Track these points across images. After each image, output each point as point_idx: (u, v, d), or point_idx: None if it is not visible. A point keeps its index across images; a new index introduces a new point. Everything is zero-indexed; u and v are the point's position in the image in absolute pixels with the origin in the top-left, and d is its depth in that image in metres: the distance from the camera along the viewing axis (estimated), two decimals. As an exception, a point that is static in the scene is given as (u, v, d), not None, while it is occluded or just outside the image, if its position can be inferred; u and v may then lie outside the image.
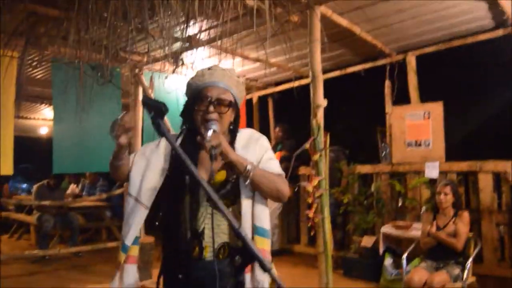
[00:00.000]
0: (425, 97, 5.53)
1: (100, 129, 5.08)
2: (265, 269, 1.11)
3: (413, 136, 5.40)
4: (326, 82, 6.04)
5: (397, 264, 4.80)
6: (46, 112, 9.08)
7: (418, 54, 5.50)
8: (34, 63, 5.72)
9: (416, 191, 5.31)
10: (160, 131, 1.26)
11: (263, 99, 7.56)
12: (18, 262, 6.18)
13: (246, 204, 1.73)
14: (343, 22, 4.61)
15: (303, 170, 6.52)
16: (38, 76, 6.51)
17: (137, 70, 5.63)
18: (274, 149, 6.75)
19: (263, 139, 1.90)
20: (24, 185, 11.03)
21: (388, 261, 4.91)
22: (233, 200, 1.75)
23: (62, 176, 7.56)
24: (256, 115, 7.57)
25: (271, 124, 7.56)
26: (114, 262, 1.89)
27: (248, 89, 7.25)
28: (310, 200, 3.81)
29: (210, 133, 1.62)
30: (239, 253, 1.17)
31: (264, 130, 7.61)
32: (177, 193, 1.75)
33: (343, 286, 4.99)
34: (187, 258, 1.72)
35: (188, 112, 1.84)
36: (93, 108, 4.88)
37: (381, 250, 4.90)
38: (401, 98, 5.75)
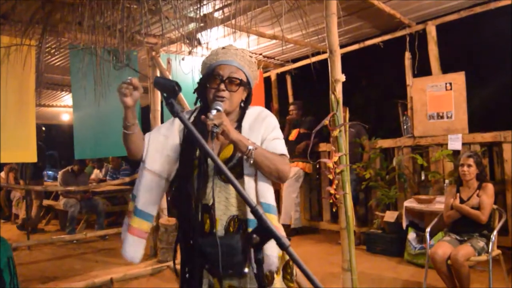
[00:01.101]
0: (446, 68, 5.41)
1: (119, 114, 5.12)
2: (282, 247, 1.12)
3: (435, 108, 5.31)
4: (345, 57, 6.06)
5: (420, 239, 4.78)
6: (67, 99, 9.20)
7: (438, 23, 5.35)
8: (52, 51, 5.77)
9: (439, 164, 5.25)
10: (174, 111, 1.27)
11: (281, 76, 7.51)
12: (47, 247, 6.36)
13: (248, 181, 1.77)
14: (360, -6, 4.52)
15: (323, 147, 6.51)
16: (57, 63, 6.59)
17: (154, 53, 5.64)
18: (292, 127, 6.71)
19: (270, 117, 1.92)
20: (50, 172, 11.26)
21: (411, 235, 4.90)
22: (238, 174, 1.78)
23: (85, 161, 7.70)
24: (275, 93, 7.54)
25: (290, 100, 7.50)
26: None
27: (266, 67, 7.21)
28: (331, 177, 3.79)
29: (214, 112, 1.67)
30: (256, 231, 1.18)
31: (283, 107, 7.59)
32: (187, 168, 1.81)
33: (367, 261, 5.01)
34: (199, 231, 1.77)
35: (202, 89, 1.90)
36: (111, 93, 4.93)
37: (404, 224, 4.88)
38: (422, 70, 5.64)
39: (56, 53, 5.95)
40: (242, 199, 1.20)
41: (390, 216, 5.31)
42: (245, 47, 6.24)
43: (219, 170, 1.77)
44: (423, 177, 5.46)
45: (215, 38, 5.59)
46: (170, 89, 1.29)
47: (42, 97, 7.75)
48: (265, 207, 1.75)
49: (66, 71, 6.40)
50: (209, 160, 1.78)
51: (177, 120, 1.92)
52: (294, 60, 7.03)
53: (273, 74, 7.42)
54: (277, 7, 4.62)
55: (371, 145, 5.86)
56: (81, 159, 6.89)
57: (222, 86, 1.80)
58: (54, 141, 8.49)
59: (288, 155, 1.86)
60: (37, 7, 4.39)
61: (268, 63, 7.11)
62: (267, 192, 1.79)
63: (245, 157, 1.71)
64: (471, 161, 3.80)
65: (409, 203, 4.83)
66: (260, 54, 6.58)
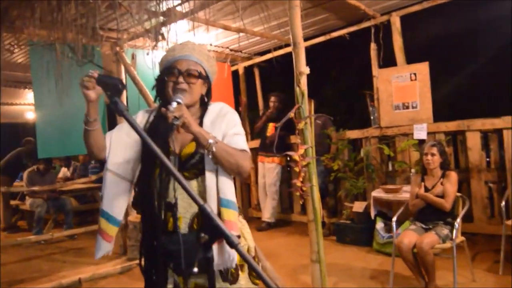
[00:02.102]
0: (411, 59, 5.48)
1: (83, 111, 5.02)
2: (231, 245, 1.11)
3: (400, 98, 5.38)
4: (312, 49, 6.09)
5: (388, 228, 4.86)
6: (31, 96, 8.95)
7: (402, 14, 5.40)
8: (12, 48, 5.60)
9: (405, 154, 5.33)
10: (118, 109, 1.23)
11: (249, 69, 7.47)
12: (14, 249, 6.20)
13: (210, 176, 1.76)
14: (323, -15, 4.52)
15: (294, 139, 6.51)
16: (19, 60, 6.39)
17: (118, 48, 5.53)
18: (268, 121, 6.62)
19: (232, 114, 1.91)
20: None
21: (379, 225, 4.97)
22: (200, 171, 1.78)
23: (51, 160, 7.53)
24: (243, 86, 7.48)
25: (259, 93, 7.50)
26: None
27: (233, 61, 7.16)
28: (297, 169, 3.80)
29: (174, 104, 1.65)
30: (205, 230, 1.16)
31: (252, 100, 7.57)
32: (149, 167, 1.79)
33: (336, 252, 5.06)
34: (163, 230, 1.75)
35: (161, 85, 1.88)
36: (74, 90, 4.83)
37: (372, 214, 4.94)
38: (388, 61, 5.70)
39: (15, 50, 5.77)
40: (190, 197, 1.18)
41: (358, 206, 5.37)
42: (210, 40, 6.21)
43: (181, 167, 1.78)
44: (390, 167, 5.53)
45: (179, 32, 5.50)
46: (114, 87, 1.25)
47: (4, 95, 7.50)
48: (224, 202, 1.76)
49: (28, 68, 6.22)
50: (172, 158, 1.77)
51: (139, 117, 1.92)
52: (262, 53, 7.01)
53: (240, 67, 7.38)
54: (239, 0, 4.60)
55: (339, 136, 5.90)
56: (47, 158, 6.71)
57: (181, 79, 1.79)
58: (20, 140, 8.25)
59: (249, 151, 1.85)
60: (-7, 3, 4.24)
61: (236, 57, 7.07)
62: (227, 188, 1.78)
63: (205, 151, 1.69)
64: (434, 150, 3.87)
65: (377, 193, 4.89)
66: (227, 47, 6.54)
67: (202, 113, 1.89)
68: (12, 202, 7.89)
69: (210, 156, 1.70)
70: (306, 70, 3.78)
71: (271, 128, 6.45)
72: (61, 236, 6.48)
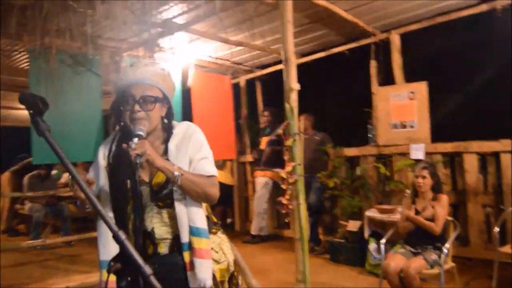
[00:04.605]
0: (411, 77, 5.36)
1: (81, 118, 5.00)
2: (143, 276, 1.03)
3: (398, 117, 5.26)
4: (311, 64, 6.02)
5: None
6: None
7: (401, 32, 5.29)
8: (13, 53, 5.64)
9: (402, 173, 5.20)
10: (38, 129, 1.17)
11: (250, 83, 7.41)
12: (8, 253, 6.17)
13: (179, 206, 1.74)
14: (321, 1, 4.45)
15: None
16: (21, 66, 6.42)
17: (117, 57, 5.52)
18: (262, 132, 6.64)
19: (197, 134, 1.85)
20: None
21: (372, 245, 4.83)
22: (170, 203, 1.76)
23: (52, 166, 7.54)
24: (244, 99, 7.43)
25: (260, 107, 7.42)
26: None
27: (235, 73, 7.11)
28: (284, 187, 3.72)
29: (135, 140, 1.62)
30: (117, 258, 1.09)
31: (253, 113, 7.50)
32: (121, 198, 1.76)
33: (328, 271, 4.94)
34: (142, 255, 1.69)
35: (117, 114, 1.81)
36: (73, 97, 4.83)
37: (366, 234, 4.82)
38: (388, 78, 5.59)
39: (18, 56, 5.81)
40: (107, 226, 1.11)
41: (353, 225, 5.25)
42: (211, 53, 6.18)
43: (154, 197, 1.78)
44: (386, 187, 5.40)
45: (181, 43, 5.49)
46: (35, 106, 1.18)
47: (10, 100, 7.53)
48: (194, 231, 1.74)
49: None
50: (142, 187, 1.76)
51: (100, 152, 1.86)
52: (264, 67, 6.95)
53: (242, 80, 7.32)
54: (239, 12, 4.56)
55: (336, 154, 5.79)
56: (48, 164, 6.73)
57: (137, 107, 1.72)
58: (28, 144, 8.29)
59: (216, 174, 1.83)
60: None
61: (237, 69, 7.01)
62: (196, 216, 1.76)
63: (171, 183, 1.70)
64: (425, 172, 3.75)
65: (371, 212, 4.77)
66: (228, 60, 6.49)
67: (166, 137, 1.84)
68: (18, 206, 7.92)
69: (175, 188, 1.71)
70: (296, 86, 3.72)
71: (264, 142, 6.39)
72: (57, 242, 6.45)
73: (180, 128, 1.85)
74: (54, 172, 7.97)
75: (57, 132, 4.94)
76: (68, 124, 5.02)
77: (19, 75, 6.79)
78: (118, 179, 1.74)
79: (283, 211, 3.73)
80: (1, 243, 6.67)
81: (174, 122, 1.88)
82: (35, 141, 4.91)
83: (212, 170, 1.80)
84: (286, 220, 3.84)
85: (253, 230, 6.50)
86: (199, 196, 1.74)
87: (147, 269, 1.03)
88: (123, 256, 1.06)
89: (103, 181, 1.79)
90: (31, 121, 1.19)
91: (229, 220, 7.85)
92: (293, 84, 3.72)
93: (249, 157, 7.22)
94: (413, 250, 3.70)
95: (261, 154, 6.45)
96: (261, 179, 6.48)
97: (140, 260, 1.04)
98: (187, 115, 5.77)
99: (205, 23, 4.94)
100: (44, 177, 7.18)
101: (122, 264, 1.08)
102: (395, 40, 5.33)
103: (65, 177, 8.79)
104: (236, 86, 7.16)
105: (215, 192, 1.79)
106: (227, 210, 7.80)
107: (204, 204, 1.84)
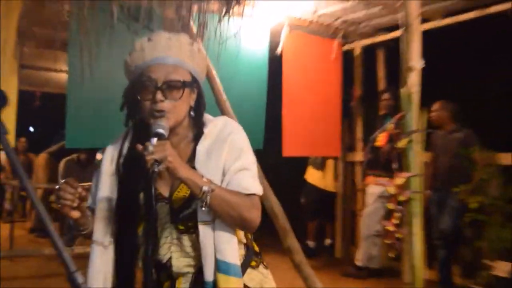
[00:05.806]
0: None
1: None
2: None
3: None
4: (456, 29, 5.76)
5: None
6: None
7: None
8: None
9: None
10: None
11: (369, 51, 7.30)
12: (32, 259, 6.69)
13: (204, 231, 1.75)
14: None
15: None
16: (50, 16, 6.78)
17: (183, 12, 5.72)
18: (381, 122, 6.48)
19: (236, 135, 1.86)
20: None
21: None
22: (194, 226, 1.78)
23: (96, 151, 7.99)
24: (359, 73, 7.35)
25: (380, 86, 7.28)
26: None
27: (347, 37, 7.02)
28: (390, 206, 3.65)
29: (153, 141, 1.63)
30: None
31: (370, 94, 7.36)
32: (129, 217, 1.81)
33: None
34: None
35: (131, 103, 1.85)
36: (121, 64, 5.05)
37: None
38: None
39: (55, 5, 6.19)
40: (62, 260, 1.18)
41: (503, 268, 5.05)
42: (312, 8, 6.15)
43: (174, 217, 1.81)
44: None
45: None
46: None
47: (45, 59, 7.88)
48: (222, 266, 1.74)
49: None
50: (160, 204, 1.80)
51: (107, 155, 1.95)
52: (389, 29, 6.79)
53: (357, 47, 7.22)
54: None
55: (485, 160, 5.54)
56: (89, 148, 7.13)
57: (159, 96, 1.73)
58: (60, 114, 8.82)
59: (259, 193, 1.82)
60: None
61: (350, 32, 6.91)
62: (226, 246, 1.77)
63: (198, 201, 1.71)
64: None
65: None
66: (338, 18, 6.42)
67: (194, 137, 1.87)
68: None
69: (203, 208, 1.69)
70: (417, 64, 3.62)
71: (383, 138, 6.21)
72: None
73: (214, 125, 1.87)
74: (99, 156, 8.41)
75: (96, 107, 5.21)
76: (112, 99, 5.25)
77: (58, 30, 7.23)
78: (128, 192, 1.80)
79: (387, 241, 3.68)
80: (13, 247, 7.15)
81: (207, 116, 1.90)
82: (70, 118, 5.21)
83: (253, 186, 1.79)
84: (390, 255, 3.78)
85: (359, 259, 6.46)
86: (234, 220, 1.75)
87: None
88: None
89: (107, 192, 1.84)
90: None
91: (328, 241, 7.89)
92: (414, 60, 3.63)
93: (360, 156, 7.13)
94: None
95: (378, 153, 6.33)
96: (375, 189, 6.37)
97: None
98: (274, 93, 5.82)
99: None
100: (84, 163, 7.61)
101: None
102: None
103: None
104: (347, 55, 7.13)
105: (256, 216, 1.78)
106: (326, 226, 7.84)
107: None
